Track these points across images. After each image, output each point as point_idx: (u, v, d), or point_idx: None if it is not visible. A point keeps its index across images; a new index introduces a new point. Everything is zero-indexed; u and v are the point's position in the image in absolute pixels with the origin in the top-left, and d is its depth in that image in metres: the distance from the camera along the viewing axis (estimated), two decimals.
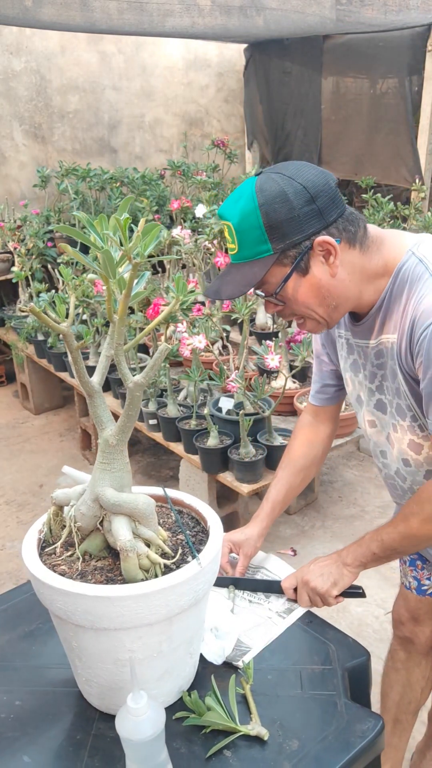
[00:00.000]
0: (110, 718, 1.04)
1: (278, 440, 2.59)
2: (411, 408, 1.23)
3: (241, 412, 2.55)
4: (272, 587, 1.38)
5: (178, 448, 2.83)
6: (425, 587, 1.54)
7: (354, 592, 1.31)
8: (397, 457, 1.33)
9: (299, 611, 1.31)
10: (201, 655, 1.15)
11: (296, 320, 1.24)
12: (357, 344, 1.32)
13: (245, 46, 5.70)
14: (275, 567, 1.45)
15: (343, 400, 1.58)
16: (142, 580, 0.98)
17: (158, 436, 2.95)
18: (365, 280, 1.19)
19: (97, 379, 1.03)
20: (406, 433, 1.28)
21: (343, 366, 1.41)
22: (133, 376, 1.00)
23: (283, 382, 2.77)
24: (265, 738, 1.01)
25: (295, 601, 1.34)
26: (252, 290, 1.18)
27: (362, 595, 1.32)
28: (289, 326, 3.13)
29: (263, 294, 1.20)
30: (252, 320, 3.51)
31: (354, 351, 1.34)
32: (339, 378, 1.49)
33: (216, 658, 1.16)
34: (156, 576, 1.00)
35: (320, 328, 1.23)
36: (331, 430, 1.58)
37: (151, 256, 0.91)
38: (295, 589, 1.34)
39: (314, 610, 1.33)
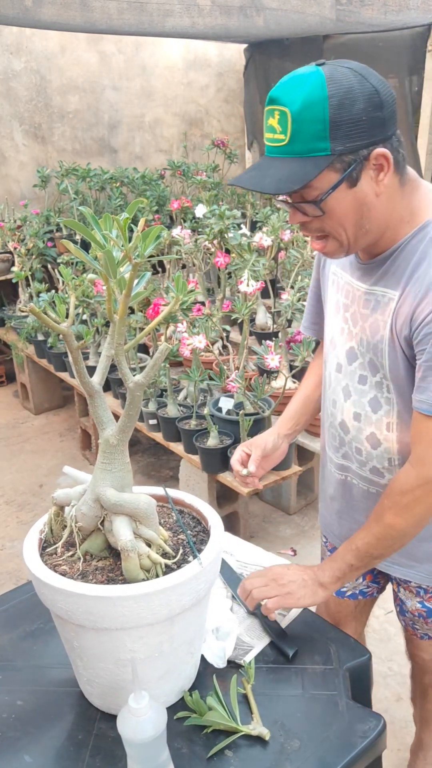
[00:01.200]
0: (111, 717, 1.04)
1: None
2: (381, 368, 1.18)
3: (241, 412, 2.55)
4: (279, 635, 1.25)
5: (178, 448, 2.83)
6: (344, 589, 1.52)
7: (282, 648, 1.18)
8: (348, 409, 1.28)
9: (298, 608, 1.31)
10: (202, 655, 1.15)
11: (315, 239, 1.13)
12: (349, 284, 1.24)
13: (245, 46, 5.70)
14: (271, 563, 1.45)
15: None
16: (143, 580, 0.98)
17: (158, 436, 2.95)
18: (394, 217, 1.11)
19: (97, 379, 1.03)
20: (372, 389, 1.22)
21: (327, 306, 1.34)
22: (134, 376, 1.00)
23: (283, 382, 2.77)
24: (267, 738, 1.01)
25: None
26: (283, 194, 1.06)
27: (287, 658, 1.18)
28: (290, 326, 3.13)
29: (295, 200, 1.07)
30: (252, 320, 3.51)
31: (341, 291, 1.27)
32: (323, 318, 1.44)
33: (217, 660, 1.16)
34: (157, 576, 1.00)
35: (340, 252, 1.13)
36: None
37: (151, 256, 0.91)
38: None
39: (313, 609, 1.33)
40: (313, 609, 1.36)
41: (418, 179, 1.13)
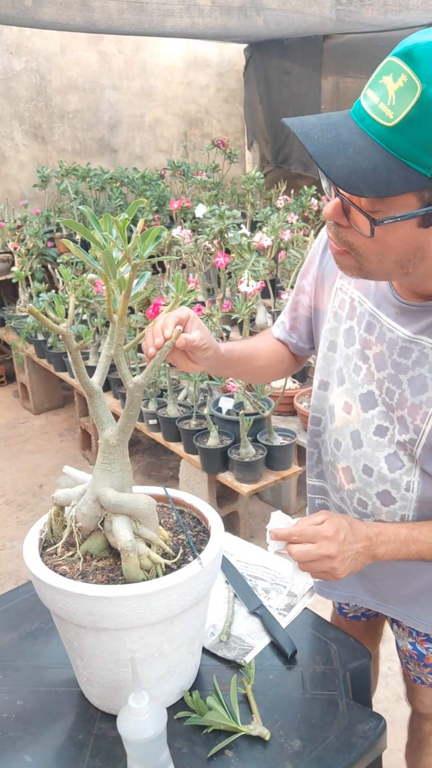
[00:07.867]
0: (112, 717, 1.04)
1: (278, 440, 2.59)
2: (416, 432, 1.01)
3: (241, 412, 2.55)
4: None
5: (178, 448, 2.83)
6: (346, 610, 1.48)
7: (282, 648, 1.18)
8: (357, 458, 1.11)
9: (299, 607, 1.31)
10: (202, 655, 1.15)
11: (337, 247, 0.91)
12: (375, 317, 1.04)
13: (245, 46, 5.70)
14: (278, 566, 1.45)
15: (302, 361, 1.37)
16: (143, 580, 0.98)
17: (158, 436, 2.95)
18: None
19: (97, 380, 1.03)
20: (391, 446, 1.06)
21: (329, 325, 1.15)
22: (133, 376, 1.00)
23: (283, 382, 2.77)
24: (267, 738, 1.01)
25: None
26: (349, 193, 0.79)
27: (288, 658, 1.18)
28: None
29: (352, 202, 0.83)
30: (252, 320, 3.51)
31: (360, 320, 1.07)
32: (310, 333, 1.27)
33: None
34: (157, 576, 1.00)
35: (354, 272, 0.92)
36: (286, 367, 1.35)
37: (151, 256, 0.91)
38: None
39: (312, 608, 1.32)
40: (314, 610, 1.35)
41: None
